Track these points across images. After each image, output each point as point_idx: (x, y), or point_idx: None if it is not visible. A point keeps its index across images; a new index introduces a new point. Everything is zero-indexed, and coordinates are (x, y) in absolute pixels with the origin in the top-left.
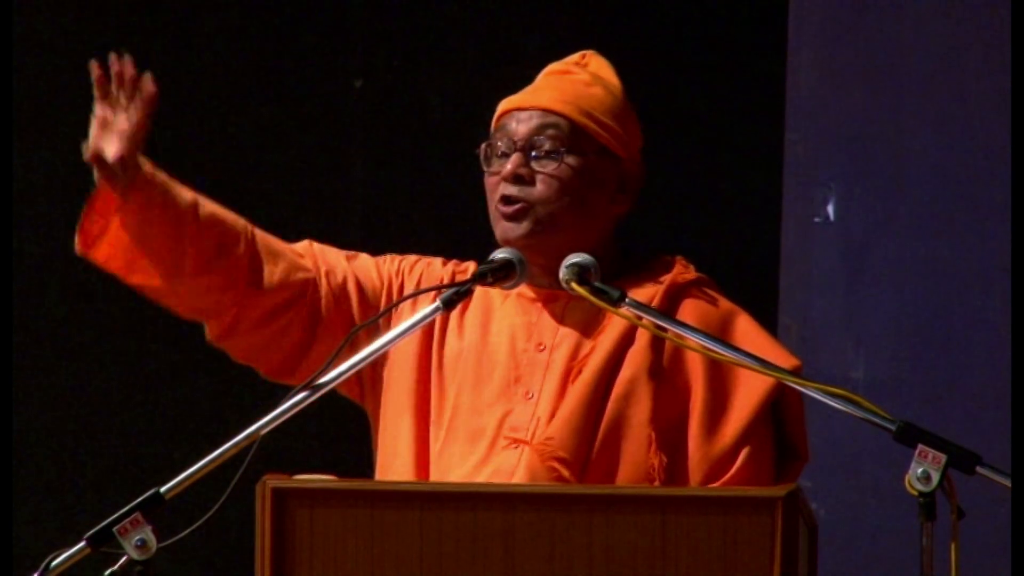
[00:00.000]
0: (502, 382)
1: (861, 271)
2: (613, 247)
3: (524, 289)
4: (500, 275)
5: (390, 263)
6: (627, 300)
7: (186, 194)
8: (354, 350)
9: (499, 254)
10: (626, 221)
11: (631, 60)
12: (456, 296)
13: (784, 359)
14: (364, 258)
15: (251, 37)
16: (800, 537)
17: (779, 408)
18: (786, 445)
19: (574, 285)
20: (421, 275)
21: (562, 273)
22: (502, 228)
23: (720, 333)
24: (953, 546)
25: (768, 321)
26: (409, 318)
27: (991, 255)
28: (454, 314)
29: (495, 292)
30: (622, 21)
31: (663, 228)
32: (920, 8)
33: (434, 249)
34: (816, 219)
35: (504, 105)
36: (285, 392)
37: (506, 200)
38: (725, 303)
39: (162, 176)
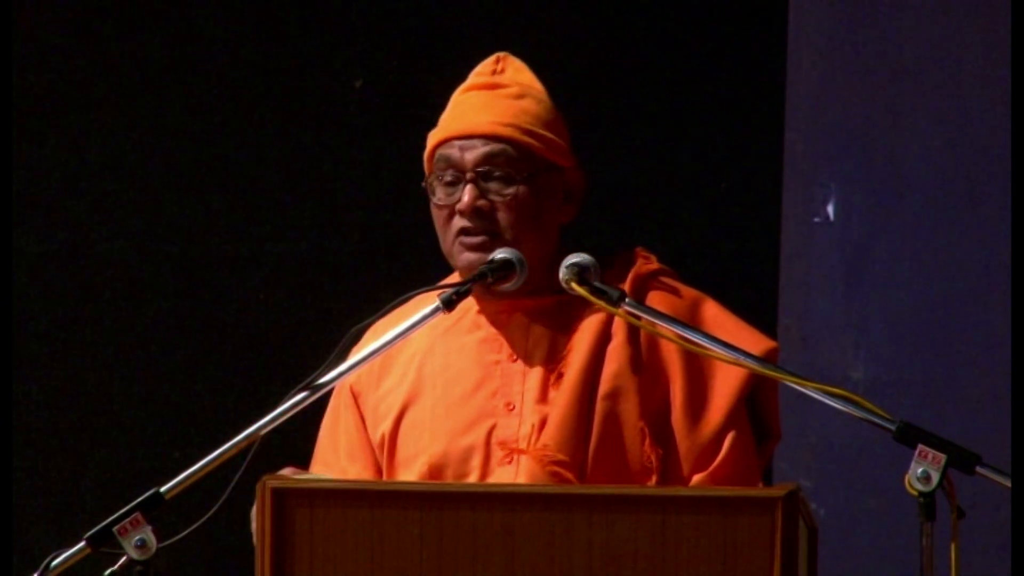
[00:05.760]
0: (479, 398)
1: (861, 271)
2: (559, 255)
3: (475, 306)
4: (500, 275)
5: (351, 409)
6: (627, 300)
7: None
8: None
9: (499, 254)
10: (573, 227)
11: (631, 60)
12: (456, 296)
13: (759, 342)
14: (347, 437)
15: (251, 37)
16: (800, 537)
17: (754, 390)
18: (760, 425)
19: (574, 285)
20: (357, 394)
21: (562, 273)
22: (466, 259)
23: (689, 322)
24: (953, 546)
25: (768, 321)
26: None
27: (991, 255)
28: (397, 360)
29: (429, 327)
30: (622, 21)
31: (662, 228)
32: (920, 8)
33: (432, 249)
34: (816, 219)
35: (439, 135)
36: (285, 392)
37: (467, 232)
38: (689, 291)
39: None
